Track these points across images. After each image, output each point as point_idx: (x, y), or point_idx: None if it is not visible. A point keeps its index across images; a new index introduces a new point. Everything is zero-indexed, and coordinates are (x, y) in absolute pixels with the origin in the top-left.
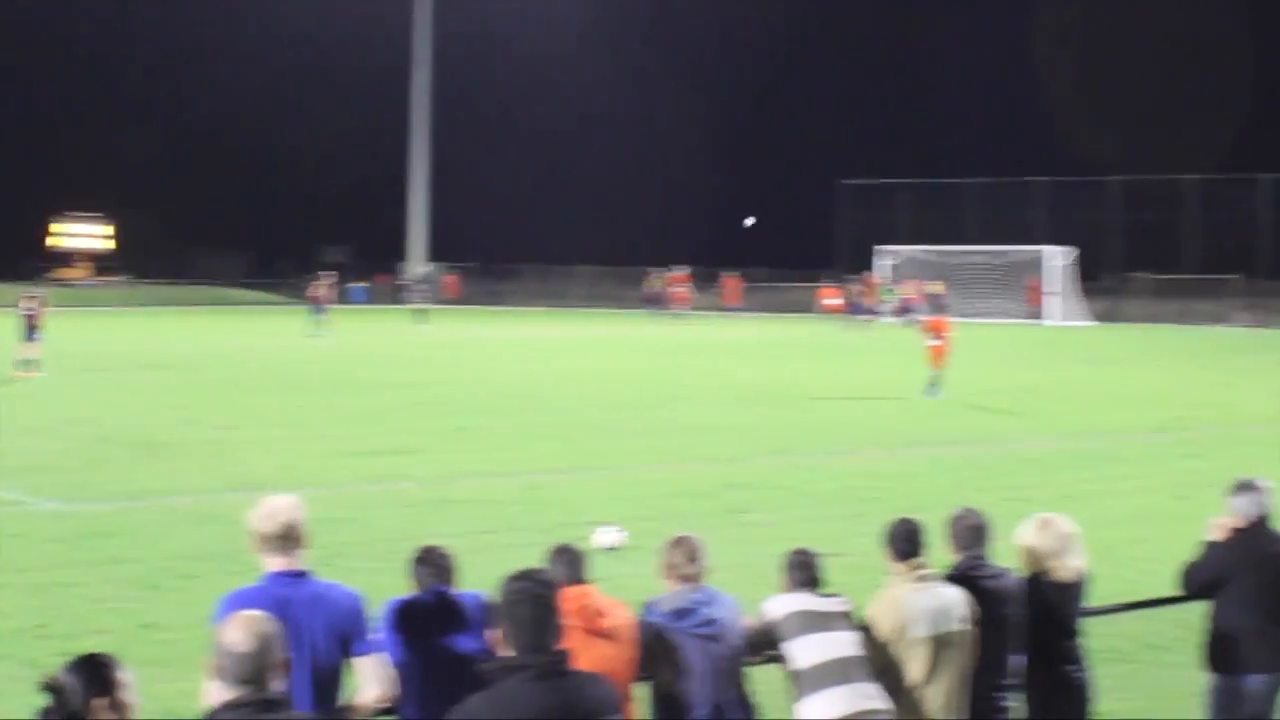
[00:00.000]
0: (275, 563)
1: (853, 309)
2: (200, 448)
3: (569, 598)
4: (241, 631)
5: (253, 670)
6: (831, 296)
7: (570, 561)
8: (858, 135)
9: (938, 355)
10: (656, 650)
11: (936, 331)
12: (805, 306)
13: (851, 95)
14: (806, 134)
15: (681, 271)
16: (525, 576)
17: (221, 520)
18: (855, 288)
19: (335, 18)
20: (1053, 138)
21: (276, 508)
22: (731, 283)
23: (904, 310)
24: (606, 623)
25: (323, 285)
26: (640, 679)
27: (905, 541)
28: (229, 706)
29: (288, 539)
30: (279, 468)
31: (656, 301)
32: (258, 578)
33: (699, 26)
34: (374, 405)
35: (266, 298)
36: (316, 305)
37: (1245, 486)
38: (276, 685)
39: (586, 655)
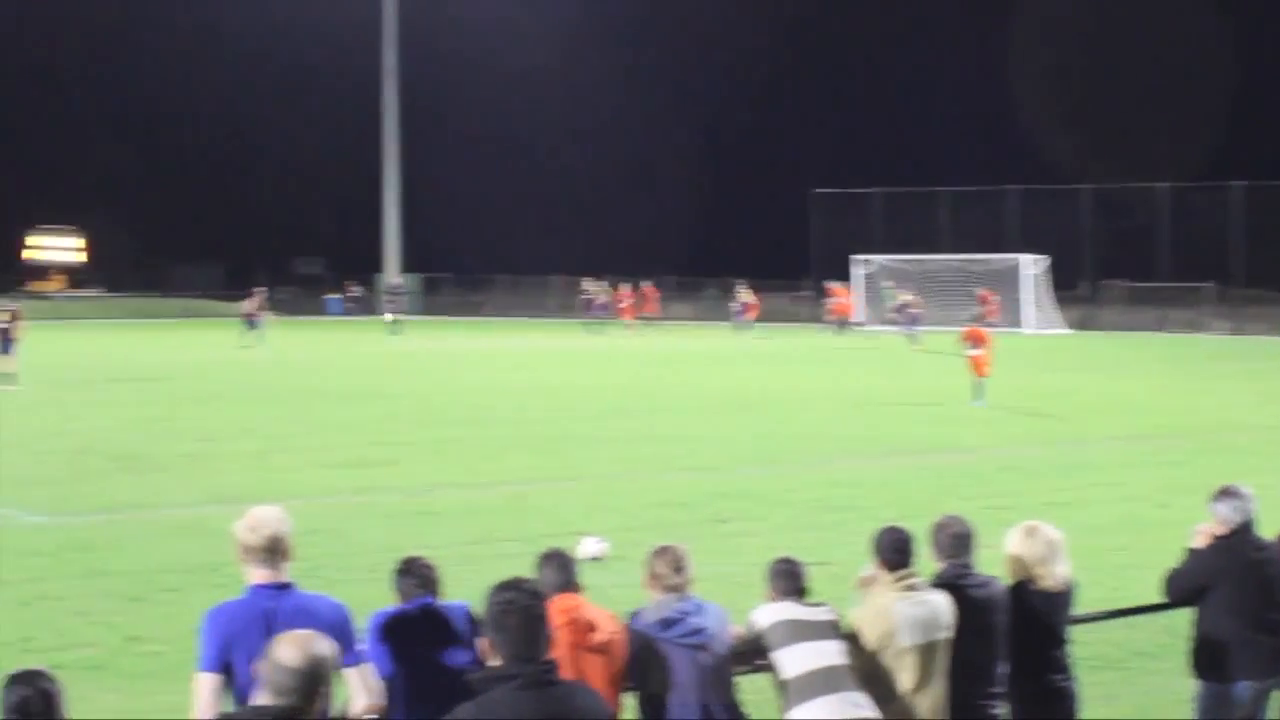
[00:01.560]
0: (260, 575)
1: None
2: (179, 460)
3: (561, 609)
4: (294, 648)
5: (296, 686)
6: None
7: (561, 566)
8: (831, 144)
9: (979, 364)
10: (644, 660)
11: (976, 340)
12: (781, 316)
13: (826, 104)
14: (780, 144)
15: (627, 284)
16: (512, 586)
17: (203, 532)
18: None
19: (308, 28)
20: (1026, 146)
21: (262, 519)
22: (649, 291)
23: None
24: (598, 637)
25: (253, 300)
26: (627, 689)
27: (894, 552)
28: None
29: (273, 551)
30: (258, 480)
31: (593, 310)
32: (242, 590)
33: (672, 38)
34: (352, 416)
35: (238, 309)
36: (249, 319)
37: (1227, 493)
38: (320, 707)
39: (576, 668)
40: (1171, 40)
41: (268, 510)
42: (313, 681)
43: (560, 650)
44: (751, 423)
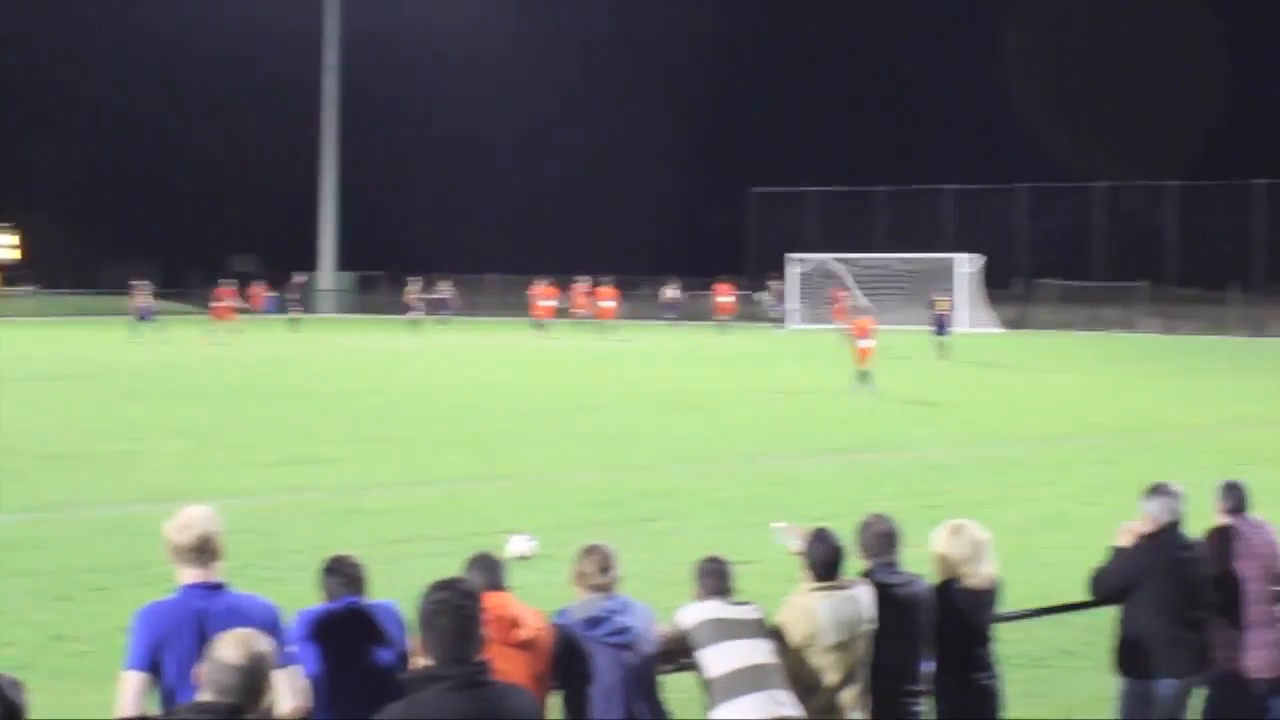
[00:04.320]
0: (190, 574)
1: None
2: (108, 458)
3: (485, 606)
4: (234, 647)
5: (237, 684)
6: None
7: (488, 568)
8: (769, 144)
9: (864, 355)
10: (568, 658)
11: (863, 332)
12: (706, 315)
13: (765, 103)
14: (718, 144)
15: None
16: (446, 586)
17: (132, 531)
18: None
19: (245, 25)
20: (963, 145)
21: (192, 519)
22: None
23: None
24: (522, 634)
25: (139, 293)
26: (553, 688)
27: (825, 568)
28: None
29: (203, 550)
30: (188, 478)
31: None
32: (173, 589)
33: (610, 36)
34: (284, 415)
35: (174, 307)
36: (140, 313)
37: (1159, 490)
38: (263, 705)
39: (502, 666)
40: (1149, 42)
41: (197, 510)
42: (255, 679)
43: (485, 648)
44: (680, 421)
